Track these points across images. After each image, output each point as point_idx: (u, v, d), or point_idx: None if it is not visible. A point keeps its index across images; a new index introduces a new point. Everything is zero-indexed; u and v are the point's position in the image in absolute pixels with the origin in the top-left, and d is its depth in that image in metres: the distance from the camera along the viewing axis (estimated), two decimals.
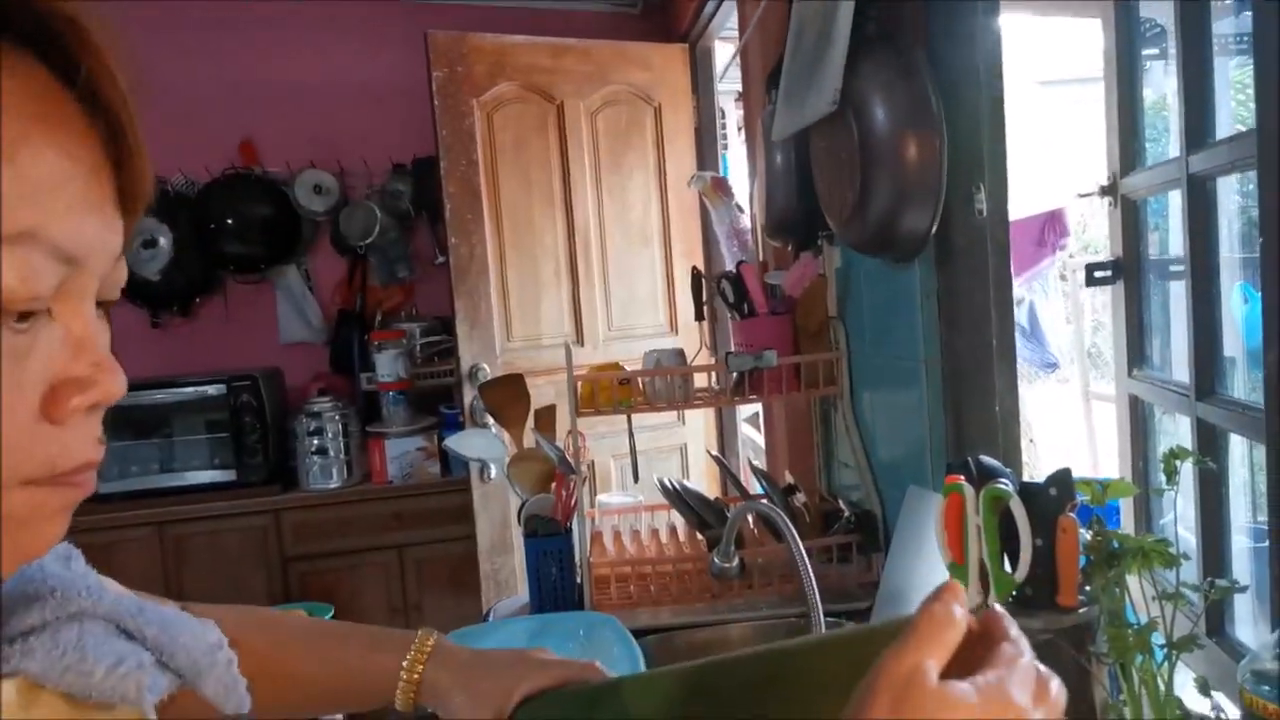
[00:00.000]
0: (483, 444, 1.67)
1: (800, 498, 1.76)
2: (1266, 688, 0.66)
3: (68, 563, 0.50)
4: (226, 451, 3.02)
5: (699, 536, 1.75)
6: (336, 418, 3.06)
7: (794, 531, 1.22)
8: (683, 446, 3.26)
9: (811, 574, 1.24)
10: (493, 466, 2.85)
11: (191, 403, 3.03)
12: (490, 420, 1.77)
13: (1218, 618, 1.04)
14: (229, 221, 3.25)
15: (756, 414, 3.20)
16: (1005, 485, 0.88)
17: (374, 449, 3.11)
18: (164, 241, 3.20)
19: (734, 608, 1.64)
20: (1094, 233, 4.93)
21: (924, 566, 1.33)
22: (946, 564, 0.92)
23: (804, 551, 1.22)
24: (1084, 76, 4.38)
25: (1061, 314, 5.05)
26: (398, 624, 3.06)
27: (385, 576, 3.08)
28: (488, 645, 1.34)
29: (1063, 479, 0.87)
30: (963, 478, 0.92)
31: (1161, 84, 1.57)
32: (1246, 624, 1.07)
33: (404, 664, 0.72)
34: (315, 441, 3.05)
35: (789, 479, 1.88)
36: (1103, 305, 5.03)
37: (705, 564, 1.65)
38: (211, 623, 0.60)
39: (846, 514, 1.65)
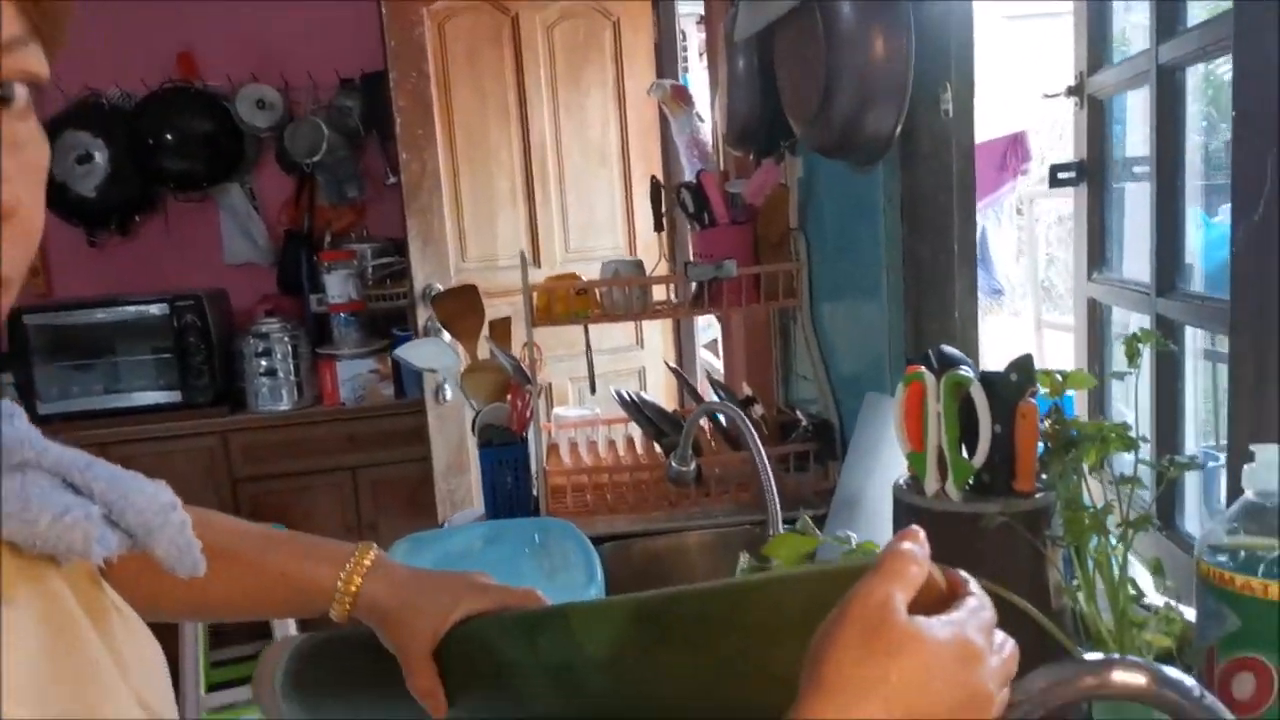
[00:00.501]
0: (434, 353, 1.63)
1: (758, 410, 1.75)
2: (1223, 558, 0.66)
3: (11, 420, 0.46)
4: (171, 373, 2.94)
5: (656, 448, 1.74)
6: (285, 339, 2.99)
7: (753, 432, 1.21)
8: (641, 370, 3.24)
9: (771, 476, 1.23)
10: (448, 388, 2.81)
11: (134, 323, 2.94)
12: (445, 335, 1.73)
13: (1168, 508, 1.06)
14: (168, 137, 3.11)
15: (715, 340, 3.19)
16: (966, 372, 0.87)
17: (325, 371, 3.05)
18: (100, 157, 3.07)
19: (691, 516, 1.64)
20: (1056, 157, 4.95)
21: (880, 471, 1.34)
22: (906, 454, 0.91)
23: (763, 453, 1.21)
24: (1051, 11, 4.37)
25: (1013, 245, 5.10)
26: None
27: (339, 497, 3.05)
28: (441, 551, 1.33)
29: (1024, 365, 0.86)
30: (923, 369, 0.91)
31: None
32: (1194, 519, 1.09)
33: (341, 576, 0.70)
34: (264, 363, 2.97)
35: (747, 391, 1.88)
36: (1057, 239, 5.09)
37: (662, 472, 1.65)
38: (164, 484, 0.58)
39: (804, 424, 1.64)
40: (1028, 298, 4.75)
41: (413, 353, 1.67)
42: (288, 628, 2.78)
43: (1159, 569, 0.81)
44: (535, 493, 1.72)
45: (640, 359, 3.25)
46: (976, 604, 0.46)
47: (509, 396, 1.64)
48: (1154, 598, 0.83)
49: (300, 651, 0.79)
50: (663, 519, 1.64)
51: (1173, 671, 0.54)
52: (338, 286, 3.02)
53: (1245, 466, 0.65)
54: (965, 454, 0.88)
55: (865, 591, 0.44)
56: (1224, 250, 0.86)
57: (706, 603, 0.57)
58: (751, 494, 1.66)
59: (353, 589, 0.70)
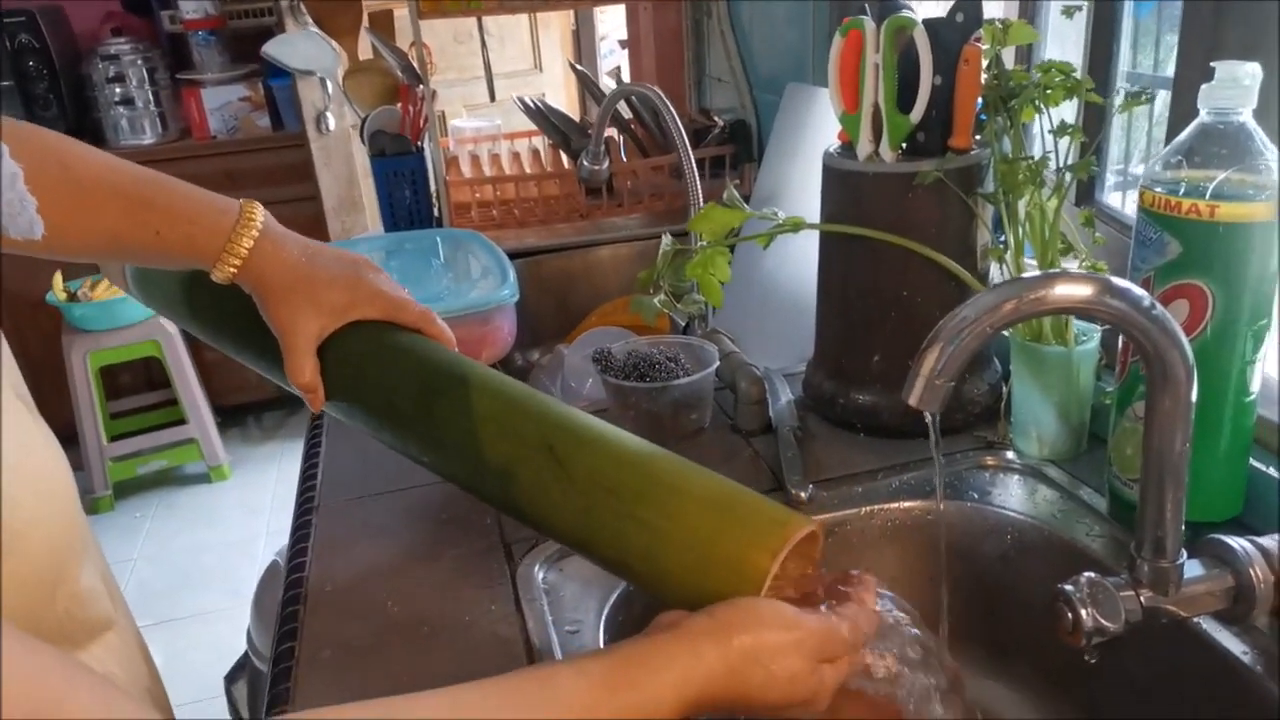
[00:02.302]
0: (310, 50, 1.45)
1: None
2: (1160, 188, 0.64)
3: None
4: (13, 103, 2.62)
5: (564, 159, 1.64)
6: (139, 62, 2.67)
7: (671, 110, 1.12)
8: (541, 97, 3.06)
9: (692, 157, 1.16)
10: (330, 116, 2.60)
11: None
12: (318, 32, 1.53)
13: (1089, 189, 1.04)
14: None
15: (619, 68, 3.00)
16: (910, 13, 0.80)
17: (189, 100, 2.77)
18: None
19: (603, 229, 1.58)
20: None
21: (803, 160, 1.28)
22: (839, 115, 0.85)
23: (683, 132, 1.13)
24: None
25: None
26: None
27: None
28: None
29: (971, 7, 0.79)
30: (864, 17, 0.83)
31: None
32: (1116, 199, 1.08)
33: (229, 236, 0.62)
34: (118, 90, 2.67)
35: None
36: None
37: (573, 185, 1.56)
38: None
39: (720, 125, 1.56)
40: None
41: (284, 50, 1.48)
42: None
43: (1090, 220, 0.79)
44: (437, 211, 1.62)
45: (539, 84, 3.05)
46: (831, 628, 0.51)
47: (399, 103, 1.49)
48: (1082, 253, 0.82)
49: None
50: (575, 234, 1.58)
51: (1121, 281, 0.52)
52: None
53: (1203, 86, 0.61)
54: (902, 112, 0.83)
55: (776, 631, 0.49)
56: None
57: (621, 468, 0.56)
58: (665, 203, 1.60)
59: (239, 252, 0.62)
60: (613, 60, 3.17)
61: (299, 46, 1.44)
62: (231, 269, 0.63)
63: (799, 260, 1.19)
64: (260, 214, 0.64)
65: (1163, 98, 0.84)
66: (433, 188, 1.62)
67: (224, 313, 0.71)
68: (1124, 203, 1.02)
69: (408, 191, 1.49)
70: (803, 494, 0.80)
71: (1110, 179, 1.08)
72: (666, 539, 0.54)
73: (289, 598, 0.73)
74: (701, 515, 0.54)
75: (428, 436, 0.62)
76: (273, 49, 1.47)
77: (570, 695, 0.45)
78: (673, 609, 0.52)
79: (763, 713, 0.50)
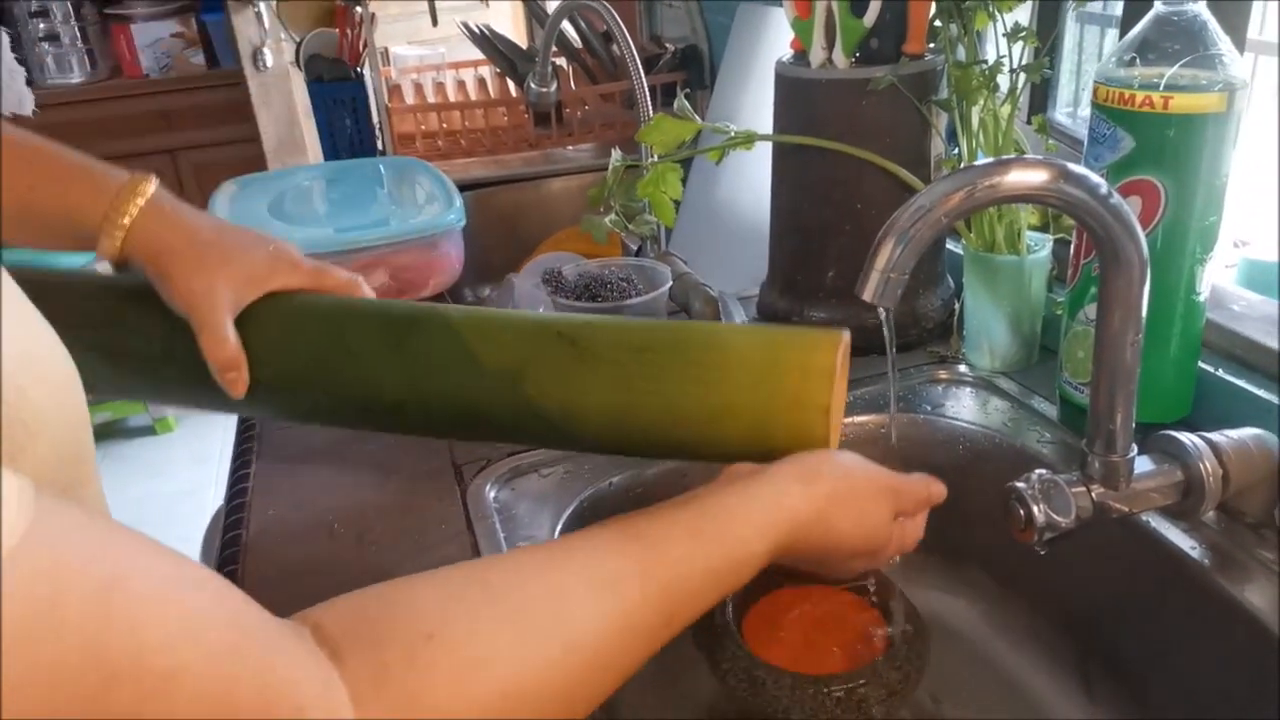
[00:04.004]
0: None
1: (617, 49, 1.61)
2: (1114, 84, 0.62)
3: None
4: None
5: (511, 88, 1.59)
6: None
7: (624, 30, 1.09)
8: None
9: (647, 93, 1.13)
10: (267, 53, 2.50)
11: None
12: None
13: (1041, 102, 1.04)
14: None
15: None
16: None
17: (119, 36, 2.64)
18: None
19: (553, 160, 1.55)
20: None
21: (753, 88, 1.26)
22: (791, 21, 0.82)
23: (639, 62, 1.10)
24: None
25: None
26: None
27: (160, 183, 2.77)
28: (275, 192, 1.19)
29: None
30: None
31: None
32: (1065, 113, 1.08)
33: (110, 204, 0.54)
34: (42, 26, 2.54)
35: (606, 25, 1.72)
36: None
37: (521, 116, 1.52)
38: None
39: (671, 50, 1.52)
40: None
41: None
42: None
43: (1043, 127, 0.79)
44: (380, 142, 1.57)
45: (486, 18, 2.96)
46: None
47: (336, 26, 1.43)
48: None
49: None
50: (524, 165, 1.54)
51: (1077, 166, 0.51)
52: None
53: None
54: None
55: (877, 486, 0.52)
56: None
57: (644, 329, 0.52)
58: (617, 132, 1.57)
59: (124, 220, 0.54)
60: None
61: None
62: (118, 236, 0.54)
63: (753, 184, 1.17)
64: (153, 183, 0.56)
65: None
66: (375, 119, 1.57)
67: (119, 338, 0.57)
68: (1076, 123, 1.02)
69: (348, 121, 1.43)
70: None
71: (1062, 112, 1.08)
72: (722, 374, 0.50)
73: (230, 523, 0.71)
74: (746, 344, 0.51)
75: (404, 376, 0.54)
76: None
77: (665, 545, 0.44)
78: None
79: (838, 558, 0.51)
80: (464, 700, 0.35)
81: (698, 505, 0.47)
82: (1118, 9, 0.85)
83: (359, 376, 0.55)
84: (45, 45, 2.55)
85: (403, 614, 0.37)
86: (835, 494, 0.49)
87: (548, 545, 0.45)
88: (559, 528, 0.69)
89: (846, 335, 0.53)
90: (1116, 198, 0.51)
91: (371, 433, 0.75)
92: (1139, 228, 0.51)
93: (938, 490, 0.55)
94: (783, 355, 0.51)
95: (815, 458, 0.50)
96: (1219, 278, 0.75)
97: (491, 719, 0.36)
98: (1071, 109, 1.03)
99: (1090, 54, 1.00)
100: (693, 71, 1.52)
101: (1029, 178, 0.50)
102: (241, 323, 0.55)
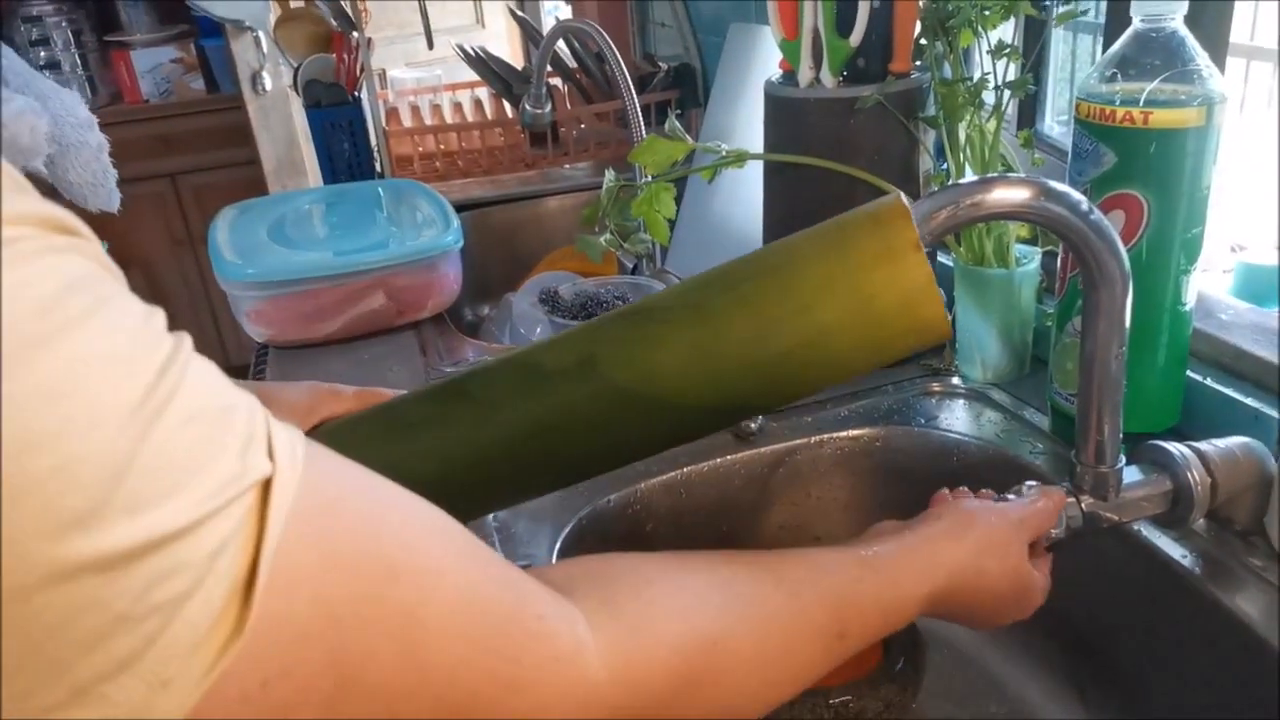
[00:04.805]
0: None
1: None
2: (1096, 100, 0.64)
3: None
4: None
5: (507, 108, 1.61)
6: (63, 24, 2.56)
7: (615, 52, 1.10)
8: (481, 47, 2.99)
9: (639, 112, 1.14)
10: (266, 76, 2.52)
11: None
12: None
13: (1030, 115, 1.05)
14: None
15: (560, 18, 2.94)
16: None
17: (118, 63, 2.67)
18: None
19: (550, 180, 1.56)
20: None
21: (745, 107, 1.27)
22: (778, 42, 0.84)
23: (625, 71, 1.11)
24: None
25: None
26: (183, 256, 2.83)
27: (161, 208, 2.79)
28: (275, 216, 1.20)
29: None
30: None
31: None
32: (1059, 121, 1.09)
33: None
34: (42, 54, 2.56)
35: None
36: None
37: (517, 136, 1.54)
38: (78, 95, 0.46)
39: (664, 69, 1.54)
40: None
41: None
42: None
43: (1029, 141, 0.80)
44: (378, 165, 1.58)
45: (481, 40, 2.99)
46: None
47: (333, 51, 1.45)
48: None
49: None
50: (520, 185, 1.55)
51: (1059, 184, 0.52)
52: None
53: None
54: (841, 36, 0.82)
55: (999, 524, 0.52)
56: None
57: (710, 273, 0.49)
58: (611, 151, 1.58)
59: None
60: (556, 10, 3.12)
61: None
62: None
63: (747, 201, 1.18)
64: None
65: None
66: (373, 141, 1.58)
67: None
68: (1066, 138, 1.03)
69: (346, 144, 1.45)
70: (752, 424, 0.80)
71: (1050, 121, 1.09)
72: (820, 282, 0.46)
73: None
74: (819, 248, 0.48)
75: (471, 424, 0.50)
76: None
77: (836, 568, 0.45)
78: (855, 374, 0.49)
79: (990, 605, 0.52)
80: (679, 638, 0.38)
81: (854, 550, 0.48)
82: None
83: (423, 449, 0.51)
84: (46, 73, 2.57)
85: (621, 566, 0.40)
86: (980, 539, 0.51)
87: (718, 551, 0.45)
88: (557, 546, 0.69)
89: (903, 197, 0.50)
90: (1097, 214, 0.52)
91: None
92: (1120, 243, 0.52)
93: (1056, 495, 0.56)
94: (861, 239, 0.48)
95: (954, 512, 0.52)
96: (1207, 286, 0.76)
97: (698, 664, 0.38)
98: (1066, 117, 1.04)
99: (1083, 62, 1.01)
100: (686, 90, 1.53)
101: (1011, 195, 0.51)
102: None
